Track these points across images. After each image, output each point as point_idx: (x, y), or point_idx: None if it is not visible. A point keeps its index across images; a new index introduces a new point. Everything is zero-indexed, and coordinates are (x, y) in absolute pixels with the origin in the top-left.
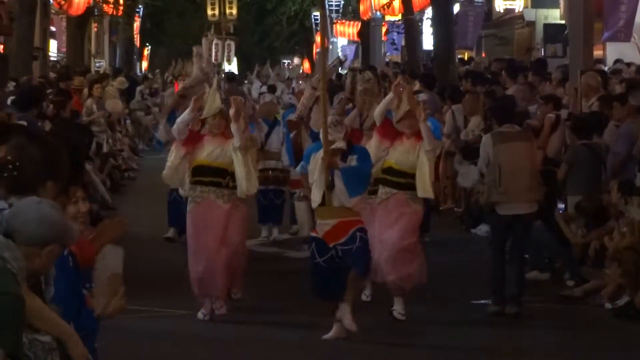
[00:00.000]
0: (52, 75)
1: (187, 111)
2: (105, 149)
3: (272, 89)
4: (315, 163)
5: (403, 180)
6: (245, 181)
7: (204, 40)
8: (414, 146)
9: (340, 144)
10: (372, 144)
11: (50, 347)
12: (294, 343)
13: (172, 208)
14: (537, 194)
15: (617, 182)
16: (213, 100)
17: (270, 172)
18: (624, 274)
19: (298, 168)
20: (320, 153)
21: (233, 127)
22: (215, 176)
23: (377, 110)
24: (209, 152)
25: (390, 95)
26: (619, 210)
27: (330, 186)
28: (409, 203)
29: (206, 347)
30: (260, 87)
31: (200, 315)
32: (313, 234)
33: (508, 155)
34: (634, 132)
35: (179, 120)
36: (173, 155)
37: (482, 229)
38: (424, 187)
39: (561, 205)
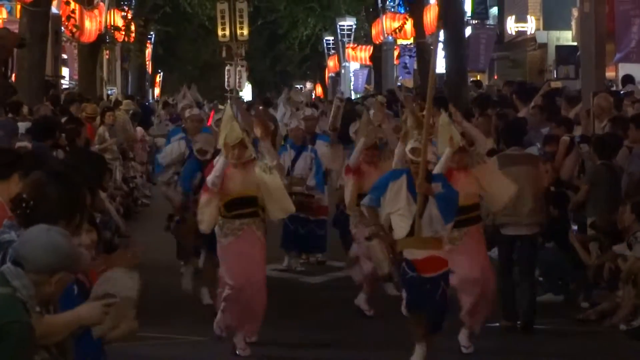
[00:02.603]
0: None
1: (221, 161)
2: (117, 176)
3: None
4: (397, 192)
5: (465, 216)
6: (287, 200)
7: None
8: (465, 178)
9: (432, 158)
10: None
11: None
12: None
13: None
14: (540, 217)
15: (630, 204)
16: (232, 129)
17: (294, 196)
18: (638, 295)
19: (365, 200)
20: (400, 181)
21: (264, 145)
22: (253, 206)
23: (438, 169)
24: (238, 183)
25: (449, 150)
26: (634, 231)
27: (421, 214)
28: (481, 236)
29: None
30: (290, 114)
31: (241, 352)
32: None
33: (513, 179)
34: None
35: (215, 174)
36: (211, 206)
37: (496, 252)
38: (499, 195)
39: (575, 227)
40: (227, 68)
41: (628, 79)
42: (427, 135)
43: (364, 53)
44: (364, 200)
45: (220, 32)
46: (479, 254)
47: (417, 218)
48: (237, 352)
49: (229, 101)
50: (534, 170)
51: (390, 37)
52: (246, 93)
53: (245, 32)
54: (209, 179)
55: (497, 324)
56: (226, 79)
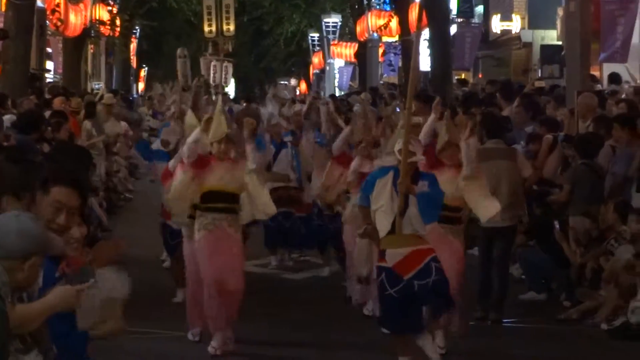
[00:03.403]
0: (48, 96)
1: (197, 131)
2: (101, 170)
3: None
4: (382, 188)
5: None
6: (267, 203)
7: (202, 60)
8: (453, 177)
9: (419, 158)
10: None
11: None
12: None
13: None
14: (517, 210)
15: (612, 203)
16: (219, 124)
17: (280, 190)
18: (621, 294)
19: (357, 200)
20: (386, 178)
21: (247, 148)
22: (228, 202)
23: (423, 134)
24: (219, 177)
25: (432, 116)
26: (617, 230)
27: (402, 212)
28: (447, 237)
29: None
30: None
31: (211, 350)
32: (382, 264)
33: (489, 174)
34: (632, 153)
35: (189, 140)
36: (179, 179)
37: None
38: (485, 210)
39: (557, 226)
40: (212, 64)
41: (614, 78)
42: (407, 133)
43: (349, 50)
44: (357, 199)
45: (206, 28)
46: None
47: (397, 216)
48: (209, 350)
49: (214, 97)
50: (511, 164)
51: (375, 35)
52: (230, 89)
53: (232, 27)
54: (183, 150)
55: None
56: (212, 75)
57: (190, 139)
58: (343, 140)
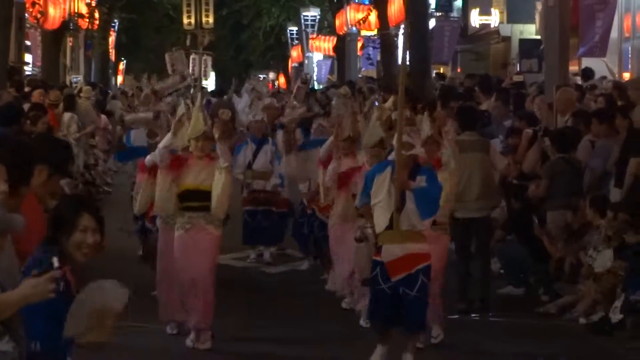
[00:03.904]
0: (27, 89)
1: (168, 135)
2: (79, 163)
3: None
4: (381, 184)
5: None
6: (224, 202)
7: (167, 55)
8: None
9: (418, 150)
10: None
11: (13, 357)
12: None
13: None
14: (490, 202)
15: (589, 199)
16: (197, 121)
17: (261, 194)
18: (599, 289)
19: (357, 202)
20: (385, 174)
21: (220, 147)
22: (205, 200)
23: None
24: (195, 175)
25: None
26: (595, 225)
27: (399, 208)
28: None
29: None
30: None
31: (189, 343)
32: (377, 259)
33: (462, 166)
34: (610, 148)
35: (161, 145)
36: (161, 183)
37: None
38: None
39: (536, 221)
40: (192, 57)
41: (587, 74)
42: (401, 128)
43: (328, 44)
44: (356, 202)
45: (185, 20)
46: None
47: (395, 212)
48: (187, 342)
49: (199, 93)
50: (484, 157)
51: (354, 28)
52: (210, 82)
53: (211, 20)
54: (155, 155)
55: (457, 317)
56: (191, 68)
57: (161, 144)
58: (329, 146)
